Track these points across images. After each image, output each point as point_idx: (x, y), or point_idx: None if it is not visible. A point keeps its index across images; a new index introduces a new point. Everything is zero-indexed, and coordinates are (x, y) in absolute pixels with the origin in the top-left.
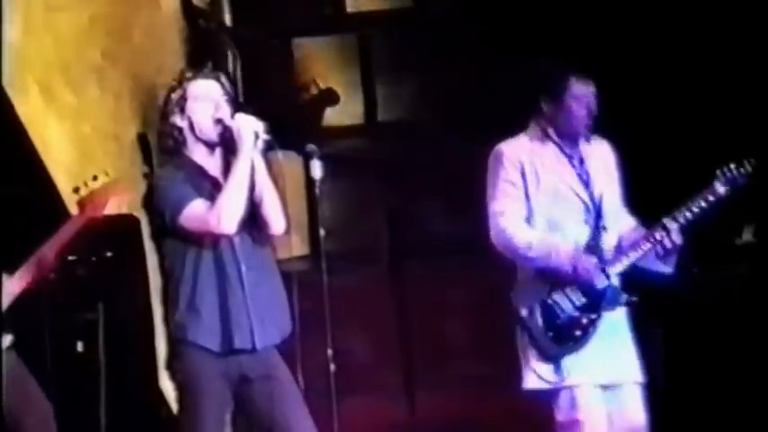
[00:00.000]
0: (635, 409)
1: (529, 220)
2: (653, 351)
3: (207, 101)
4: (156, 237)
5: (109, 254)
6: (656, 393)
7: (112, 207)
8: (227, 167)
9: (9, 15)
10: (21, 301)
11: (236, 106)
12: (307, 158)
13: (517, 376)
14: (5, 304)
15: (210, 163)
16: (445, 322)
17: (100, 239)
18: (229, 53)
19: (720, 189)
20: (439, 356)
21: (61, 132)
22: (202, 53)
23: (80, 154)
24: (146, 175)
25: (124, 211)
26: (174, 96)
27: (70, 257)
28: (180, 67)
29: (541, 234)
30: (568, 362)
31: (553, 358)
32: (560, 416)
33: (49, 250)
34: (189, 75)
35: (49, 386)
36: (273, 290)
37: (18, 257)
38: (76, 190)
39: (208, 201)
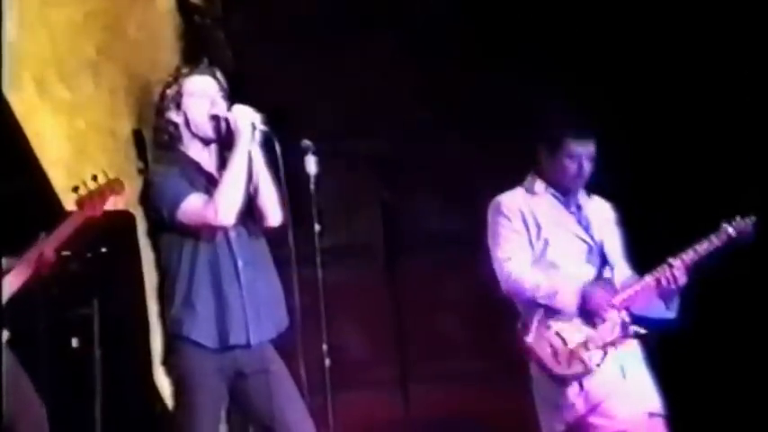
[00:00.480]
0: None
1: (533, 264)
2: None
3: (203, 97)
4: (153, 232)
5: (104, 250)
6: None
7: (112, 207)
8: (222, 163)
9: (8, 13)
10: (15, 296)
11: (232, 101)
12: (302, 154)
13: (514, 373)
14: (3, 300)
15: (205, 158)
16: (441, 318)
17: (95, 235)
18: (224, 48)
19: (728, 233)
20: (434, 352)
21: (56, 127)
22: (197, 48)
23: (75, 149)
24: (141, 171)
25: (120, 207)
26: (170, 92)
27: (64, 253)
28: (175, 62)
29: (546, 275)
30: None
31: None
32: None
33: (47, 247)
34: (185, 71)
35: (43, 382)
36: (269, 284)
37: (13, 253)
38: (76, 189)
39: (204, 195)
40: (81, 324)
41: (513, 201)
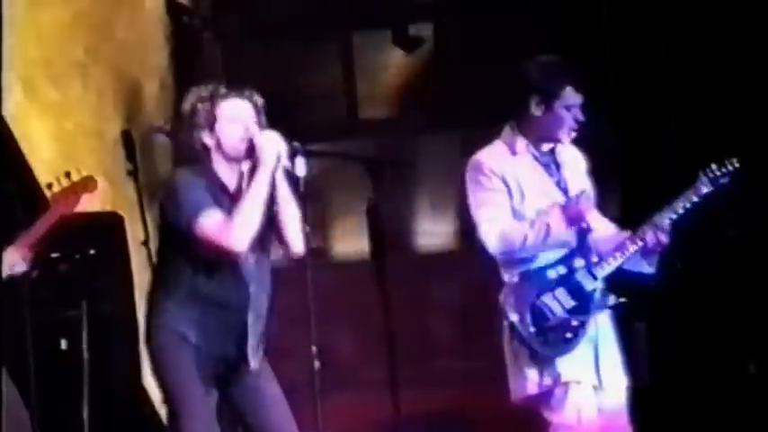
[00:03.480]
0: (620, 411)
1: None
2: (637, 349)
3: (238, 122)
4: (164, 234)
5: (92, 251)
6: (640, 392)
7: (85, 204)
8: (247, 183)
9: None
10: (2, 297)
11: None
12: (291, 156)
13: (503, 374)
14: None
15: (231, 177)
16: (430, 319)
17: (83, 236)
18: (212, 48)
19: (704, 189)
20: (424, 353)
21: (44, 129)
22: (185, 49)
23: (63, 150)
24: (129, 172)
25: (100, 208)
26: (203, 109)
27: (53, 254)
28: (164, 63)
29: (528, 222)
30: (561, 364)
31: (544, 361)
32: (553, 416)
33: (21, 245)
34: (223, 91)
35: (31, 384)
36: (271, 312)
37: None
38: (50, 186)
39: (223, 214)
40: (69, 325)
41: (495, 162)
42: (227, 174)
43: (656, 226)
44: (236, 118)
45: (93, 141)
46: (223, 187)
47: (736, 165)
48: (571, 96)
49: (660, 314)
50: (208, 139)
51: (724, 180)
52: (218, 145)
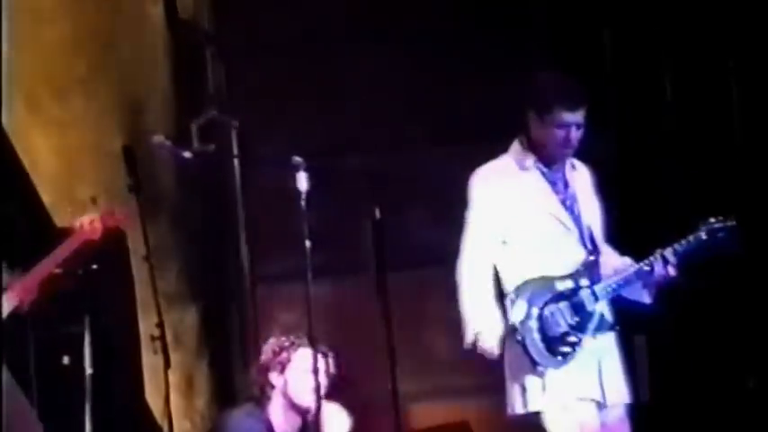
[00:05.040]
0: (620, 428)
1: (503, 245)
2: (637, 366)
3: (308, 372)
4: None
5: (95, 267)
6: (640, 408)
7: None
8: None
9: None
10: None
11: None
12: (293, 170)
13: (504, 388)
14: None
15: (284, 426)
16: (431, 333)
17: (87, 253)
18: (215, 64)
19: (703, 238)
20: (425, 367)
21: (47, 144)
22: (188, 65)
23: (66, 166)
24: (130, 188)
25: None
26: (278, 352)
27: (56, 270)
28: (167, 79)
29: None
30: (560, 379)
31: (542, 373)
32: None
33: (47, 267)
34: (298, 340)
35: (34, 399)
36: None
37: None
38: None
39: None
40: (72, 341)
41: (496, 175)
42: (280, 421)
43: (665, 260)
44: (308, 368)
45: (95, 156)
46: None
47: (734, 223)
48: (565, 114)
49: (660, 328)
50: (275, 379)
51: (721, 235)
52: (285, 387)
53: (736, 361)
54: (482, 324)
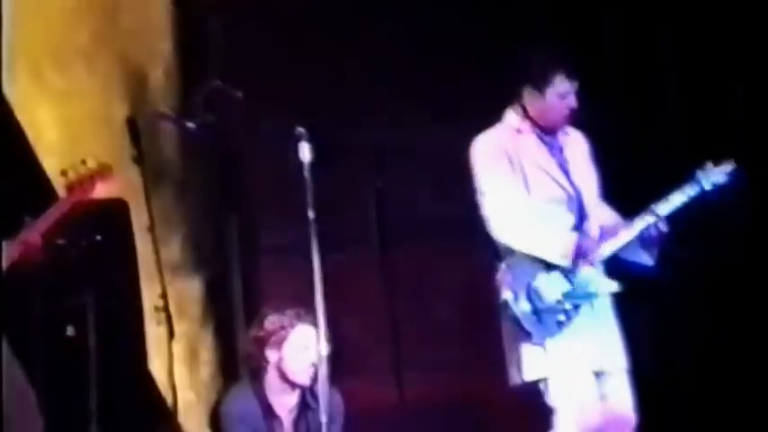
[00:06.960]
0: (622, 397)
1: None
2: (638, 337)
3: (304, 350)
4: None
5: (98, 237)
6: (642, 379)
7: (100, 192)
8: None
9: (2, 1)
10: (9, 285)
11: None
12: (296, 141)
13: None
14: None
15: (280, 401)
16: (434, 304)
17: (89, 223)
18: (218, 36)
19: (701, 185)
20: (428, 338)
21: (50, 115)
22: (190, 36)
23: (69, 137)
24: (134, 159)
25: (113, 195)
26: (274, 330)
27: (59, 241)
28: (169, 50)
29: (533, 230)
30: (558, 348)
31: (538, 343)
32: (553, 401)
33: (35, 231)
34: (294, 320)
35: (38, 371)
36: None
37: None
38: (64, 173)
39: None
40: (76, 312)
41: (497, 142)
42: (277, 398)
43: (655, 215)
44: (304, 346)
45: (99, 127)
46: (270, 411)
47: (733, 166)
48: (563, 84)
49: (659, 298)
50: (272, 355)
51: (721, 179)
52: (279, 363)
53: (738, 337)
54: (563, 235)
